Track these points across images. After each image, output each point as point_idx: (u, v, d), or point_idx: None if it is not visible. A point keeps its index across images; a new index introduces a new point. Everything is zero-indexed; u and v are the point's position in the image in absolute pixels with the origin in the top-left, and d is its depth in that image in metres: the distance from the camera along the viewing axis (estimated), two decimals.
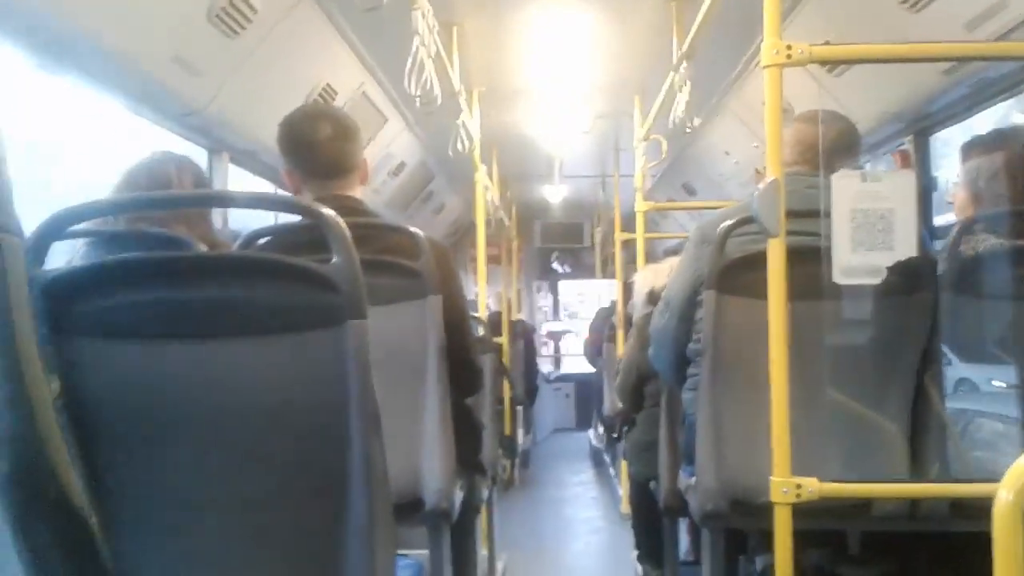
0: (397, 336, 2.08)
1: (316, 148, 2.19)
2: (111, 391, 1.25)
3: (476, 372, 2.37)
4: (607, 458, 7.57)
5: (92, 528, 1.07)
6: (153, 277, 1.29)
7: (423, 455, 2.07)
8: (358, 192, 2.25)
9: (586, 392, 9.82)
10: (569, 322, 11.99)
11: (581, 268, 11.54)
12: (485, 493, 2.82)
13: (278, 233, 2.20)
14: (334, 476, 1.27)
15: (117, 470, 1.26)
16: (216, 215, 3.10)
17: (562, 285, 11.95)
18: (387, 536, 1.30)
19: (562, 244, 11.25)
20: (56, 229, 1.29)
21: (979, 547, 1.02)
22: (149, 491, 1.28)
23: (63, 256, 1.85)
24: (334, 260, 1.30)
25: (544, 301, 11.94)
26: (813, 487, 1.71)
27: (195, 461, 1.29)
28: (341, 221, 1.31)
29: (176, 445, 1.28)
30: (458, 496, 2.22)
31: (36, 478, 1.00)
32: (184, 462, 1.29)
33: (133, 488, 1.27)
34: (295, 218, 1.94)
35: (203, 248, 1.95)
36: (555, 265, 11.69)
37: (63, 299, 1.24)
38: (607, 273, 9.89)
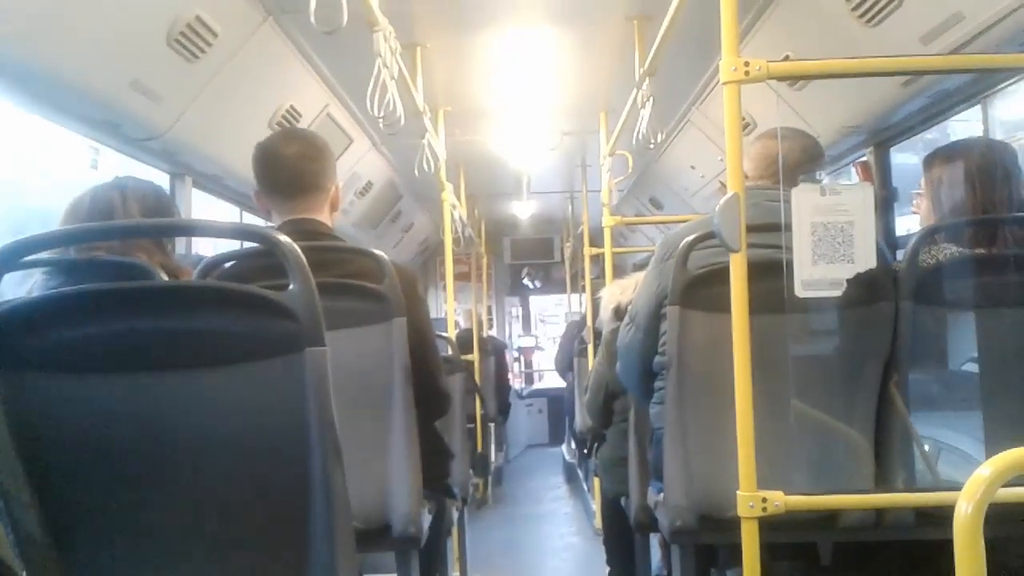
0: (362, 359, 2.06)
1: (280, 164, 2.19)
2: (65, 426, 1.23)
3: (443, 397, 2.35)
4: (580, 473, 7.56)
5: None
6: (106, 309, 1.27)
7: (390, 479, 2.05)
8: (326, 215, 2.24)
9: (559, 407, 9.80)
10: (543, 327, 12.02)
11: (552, 283, 11.55)
12: (455, 515, 2.80)
13: (239, 259, 2.18)
14: (295, 506, 1.26)
15: (72, 506, 1.24)
16: (179, 240, 3.07)
17: (533, 300, 11.97)
18: (350, 565, 1.29)
19: (532, 260, 11.27)
20: (7, 261, 1.27)
21: (948, 554, 1.03)
22: (105, 525, 1.25)
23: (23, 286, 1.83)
24: (291, 287, 1.28)
25: (514, 311, 11.96)
26: (779, 500, 1.71)
27: (153, 494, 1.27)
28: (297, 248, 1.30)
29: (133, 478, 1.26)
30: (426, 520, 2.20)
31: None
32: (142, 495, 1.26)
33: (89, 523, 1.25)
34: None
35: (163, 275, 1.93)
36: (526, 281, 11.69)
37: (13, 333, 1.22)
38: (577, 288, 9.90)
